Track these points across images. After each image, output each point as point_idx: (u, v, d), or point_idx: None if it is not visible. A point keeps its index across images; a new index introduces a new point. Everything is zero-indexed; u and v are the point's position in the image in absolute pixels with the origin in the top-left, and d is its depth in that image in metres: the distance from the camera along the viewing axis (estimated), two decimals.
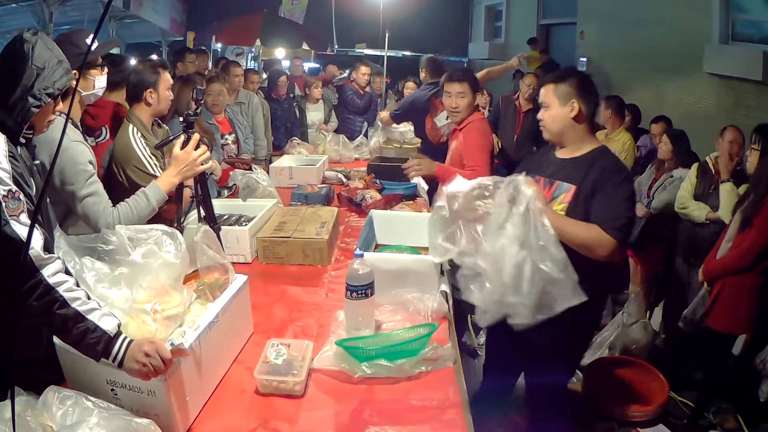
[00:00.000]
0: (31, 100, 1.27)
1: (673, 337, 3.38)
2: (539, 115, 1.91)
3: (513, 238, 1.55)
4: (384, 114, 4.33)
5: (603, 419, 2.53)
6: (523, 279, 1.52)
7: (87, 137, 2.42)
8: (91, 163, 1.80)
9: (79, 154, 1.75)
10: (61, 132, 1.65)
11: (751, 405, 2.82)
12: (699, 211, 3.06)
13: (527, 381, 2.09)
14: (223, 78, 3.67)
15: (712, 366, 2.74)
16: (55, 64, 1.31)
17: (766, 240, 2.42)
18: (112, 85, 2.52)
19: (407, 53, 10.37)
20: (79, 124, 1.87)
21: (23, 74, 1.27)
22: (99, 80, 1.93)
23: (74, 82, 1.68)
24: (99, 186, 1.81)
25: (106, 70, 1.97)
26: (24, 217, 1.19)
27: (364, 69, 5.36)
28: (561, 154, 1.90)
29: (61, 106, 1.41)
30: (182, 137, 1.87)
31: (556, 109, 1.83)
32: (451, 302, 1.80)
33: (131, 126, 2.13)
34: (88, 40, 1.78)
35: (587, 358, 3.17)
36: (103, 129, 2.34)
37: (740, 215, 2.53)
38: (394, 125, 4.37)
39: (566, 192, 1.79)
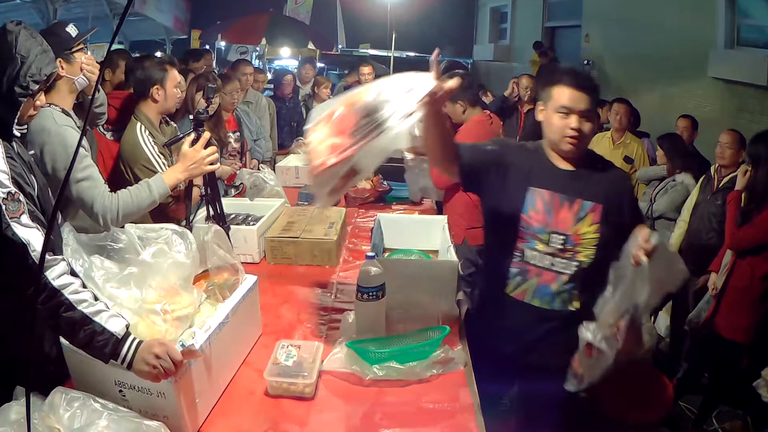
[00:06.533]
0: (18, 89, 1.23)
1: (678, 342, 3.37)
2: (576, 125, 1.62)
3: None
4: None
5: (607, 423, 2.52)
6: None
7: (105, 129, 2.39)
8: (83, 147, 1.74)
9: (69, 137, 1.69)
10: (47, 119, 1.65)
11: (757, 409, 2.81)
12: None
13: (523, 389, 1.90)
14: (237, 78, 3.61)
15: (717, 371, 2.73)
16: (39, 52, 1.26)
17: (762, 238, 2.42)
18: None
19: (411, 54, 10.34)
20: (71, 112, 1.81)
21: (8, 65, 1.22)
22: None
23: (61, 71, 1.67)
24: (94, 170, 1.75)
25: (89, 53, 1.89)
26: (25, 219, 1.16)
27: (366, 69, 5.14)
28: (559, 163, 1.69)
29: (44, 98, 1.36)
30: (192, 135, 1.86)
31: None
32: (464, 308, 1.79)
33: (139, 124, 2.11)
34: (68, 29, 1.74)
35: None
36: None
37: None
38: None
39: (592, 211, 1.64)
